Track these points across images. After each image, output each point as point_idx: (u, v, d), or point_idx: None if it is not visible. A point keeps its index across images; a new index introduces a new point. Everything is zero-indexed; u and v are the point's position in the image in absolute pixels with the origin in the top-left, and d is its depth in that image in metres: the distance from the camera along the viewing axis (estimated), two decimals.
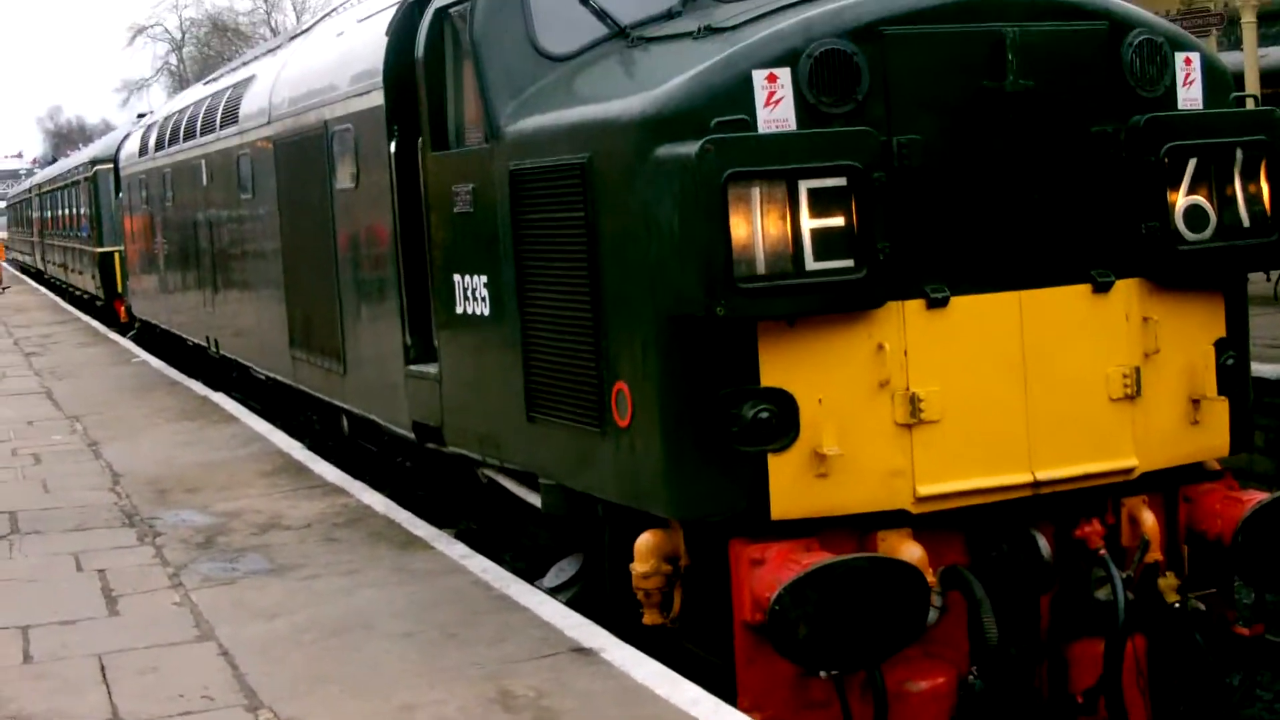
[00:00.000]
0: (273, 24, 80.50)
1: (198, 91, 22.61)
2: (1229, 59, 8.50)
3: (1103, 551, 7.82)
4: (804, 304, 7.27)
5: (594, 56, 8.89)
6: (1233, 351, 8.27)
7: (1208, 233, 7.99)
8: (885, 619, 7.06)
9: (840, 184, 7.25)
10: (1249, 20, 24.13)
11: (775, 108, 7.31)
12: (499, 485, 9.98)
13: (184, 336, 22.34)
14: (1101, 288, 7.82)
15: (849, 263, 7.28)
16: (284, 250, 14.75)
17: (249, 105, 16.30)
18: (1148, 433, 7.94)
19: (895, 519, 7.54)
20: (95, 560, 10.48)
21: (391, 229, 10.98)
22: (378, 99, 11.10)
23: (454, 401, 10.15)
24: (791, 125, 7.34)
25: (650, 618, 7.88)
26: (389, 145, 10.84)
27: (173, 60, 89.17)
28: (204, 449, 14.93)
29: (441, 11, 9.89)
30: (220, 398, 18.76)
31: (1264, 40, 26.77)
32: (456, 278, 9.79)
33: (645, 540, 7.82)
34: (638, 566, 7.80)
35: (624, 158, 7.68)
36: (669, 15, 8.96)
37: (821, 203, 7.23)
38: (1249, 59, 23.19)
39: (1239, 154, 8.03)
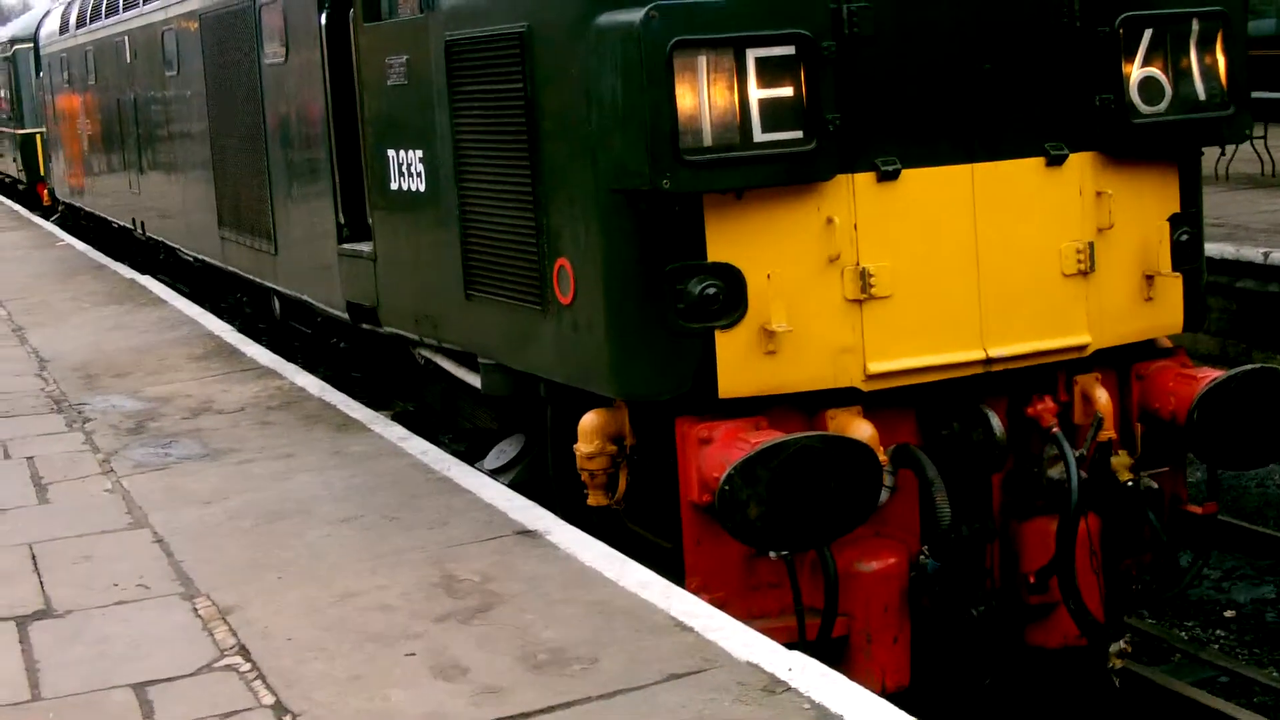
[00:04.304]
0: None
1: None
2: None
3: (1056, 429, 7.70)
4: (752, 176, 7.05)
5: None
6: (1187, 227, 8.12)
7: (1163, 106, 7.80)
8: (837, 498, 6.91)
9: (789, 53, 7.02)
10: None
11: None
12: (437, 366, 9.77)
13: (109, 219, 21.94)
14: (1055, 161, 7.63)
15: (798, 134, 7.06)
16: (211, 128, 14.40)
17: None
18: (1101, 309, 7.79)
19: (845, 397, 7.38)
20: (23, 447, 10.22)
21: (323, 104, 10.67)
22: None
23: (389, 280, 9.90)
24: None
25: (595, 499, 7.73)
26: (320, 17, 10.48)
27: None
28: (132, 333, 14.63)
29: None
30: (148, 280, 18.43)
31: None
32: (391, 153, 9.52)
33: (589, 420, 7.65)
34: (582, 447, 7.64)
35: (564, 26, 7.42)
36: None
37: (769, 72, 7.00)
38: None
39: (1195, 25, 7.82)
